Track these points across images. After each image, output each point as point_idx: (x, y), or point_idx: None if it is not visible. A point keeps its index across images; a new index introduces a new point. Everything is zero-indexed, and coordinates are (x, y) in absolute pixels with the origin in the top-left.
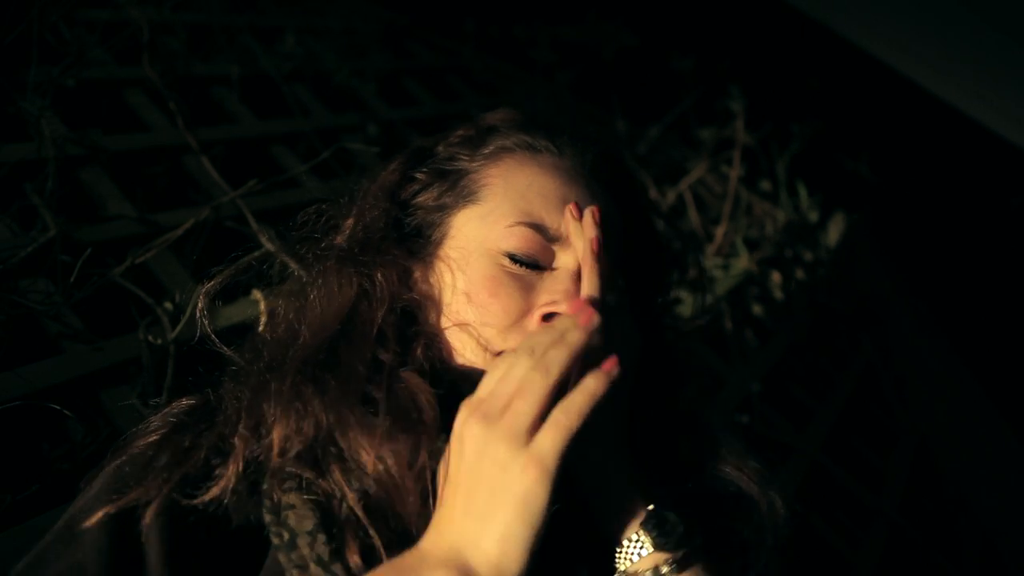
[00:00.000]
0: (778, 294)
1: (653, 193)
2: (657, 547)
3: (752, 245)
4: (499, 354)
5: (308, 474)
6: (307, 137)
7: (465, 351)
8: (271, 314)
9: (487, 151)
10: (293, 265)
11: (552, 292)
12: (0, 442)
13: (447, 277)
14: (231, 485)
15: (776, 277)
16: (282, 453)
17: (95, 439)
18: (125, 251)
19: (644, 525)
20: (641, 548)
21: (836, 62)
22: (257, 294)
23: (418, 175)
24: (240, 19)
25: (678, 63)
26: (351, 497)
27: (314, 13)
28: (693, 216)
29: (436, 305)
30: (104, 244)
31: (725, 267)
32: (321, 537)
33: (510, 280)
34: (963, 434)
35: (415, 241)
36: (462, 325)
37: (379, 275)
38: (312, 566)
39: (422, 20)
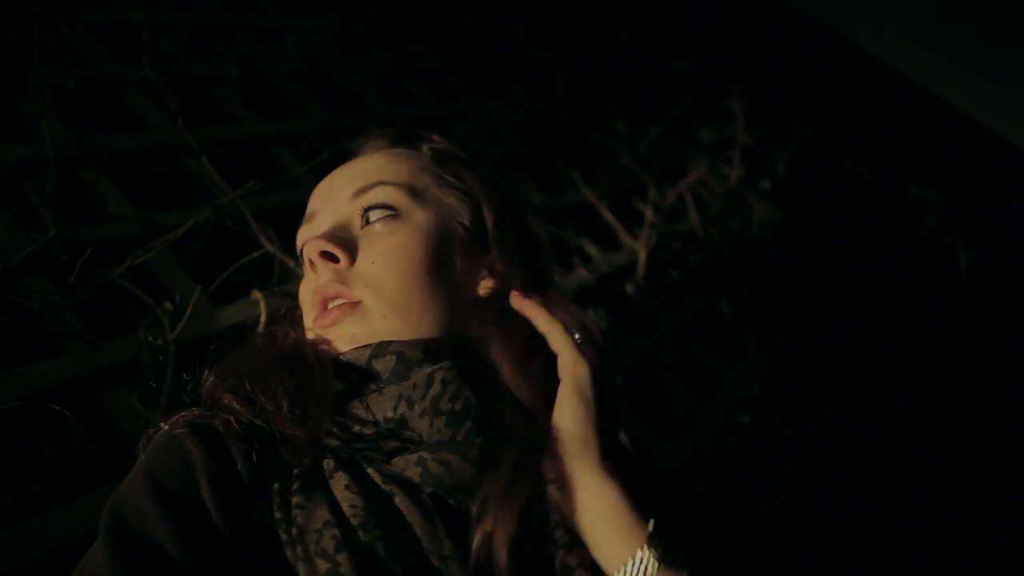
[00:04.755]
0: (778, 294)
1: (653, 193)
2: (664, 564)
3: (751, 245)
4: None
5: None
6: (307, 137)
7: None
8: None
9: None
10: (293, 265)
11: (311, 281)
12: (0, 442)
13: None
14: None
15: (775, 277)
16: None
17: (95, 439)
18: (125, 251)
19: (650, 543)
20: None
21: (836, 62)
22: (257, 294)
23: None
24: (240, 19)
25: (678, 63)
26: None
27: (314, 13)
28: (693, 216)
29: None
30: (104, 244)
31: (722, 266)
32: (329, 533)
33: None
34: (963, 434)
35: None
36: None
37: None
38: (318, 560)
39: (422, 20)
